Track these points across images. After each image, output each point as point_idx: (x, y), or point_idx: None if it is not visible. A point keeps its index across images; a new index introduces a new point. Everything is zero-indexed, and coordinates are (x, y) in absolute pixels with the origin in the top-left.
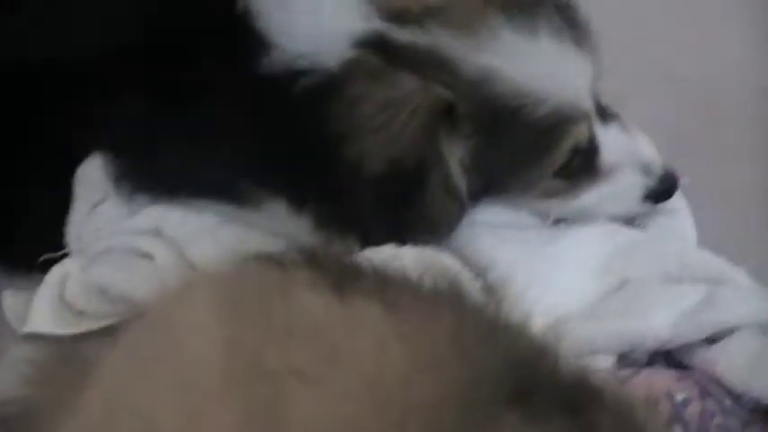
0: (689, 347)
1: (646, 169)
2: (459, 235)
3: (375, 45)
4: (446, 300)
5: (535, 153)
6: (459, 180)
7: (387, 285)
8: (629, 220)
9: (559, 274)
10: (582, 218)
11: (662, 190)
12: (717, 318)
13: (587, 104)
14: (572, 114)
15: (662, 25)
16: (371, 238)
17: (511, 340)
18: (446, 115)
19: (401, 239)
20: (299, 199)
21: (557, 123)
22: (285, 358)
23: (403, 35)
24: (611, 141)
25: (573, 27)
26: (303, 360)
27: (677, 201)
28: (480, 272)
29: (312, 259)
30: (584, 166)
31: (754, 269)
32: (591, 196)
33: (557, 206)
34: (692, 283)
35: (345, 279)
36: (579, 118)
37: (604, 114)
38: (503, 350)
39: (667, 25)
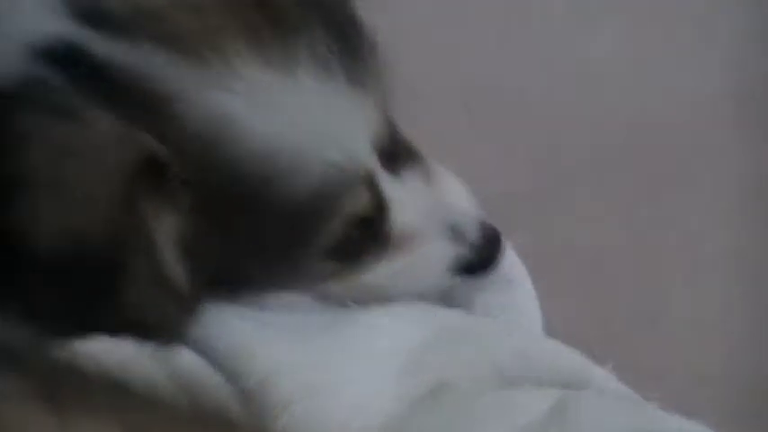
0: None
1: (455, 232)
2: (206, 321)
3: (64, 59)
4: (211, 421)
5: (290, 238)
6: (175, 270)
7: (127, 400)
8: (447, 298)
9: (350, 374)
10: (374, 299)
11: (478, 258)
12: None
13: (368, 161)
14: (344, 181)
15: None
16: (60, 331)
17: None
18: (156, 178)
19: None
20: None
21: (322, 196)
22: None
23: (103, 49)
24: (406, 198)
25: (350, 52)
26: None
27: (514, 267)
28: (235, 373)
29: (16, 362)
30: (366, 238)
31: (620, 367)
32: (378, 274)
33: (334, 289)
34: (538, 387)
35: (66, 390)
36: (355, 183)
37: (398, 162)
38: None
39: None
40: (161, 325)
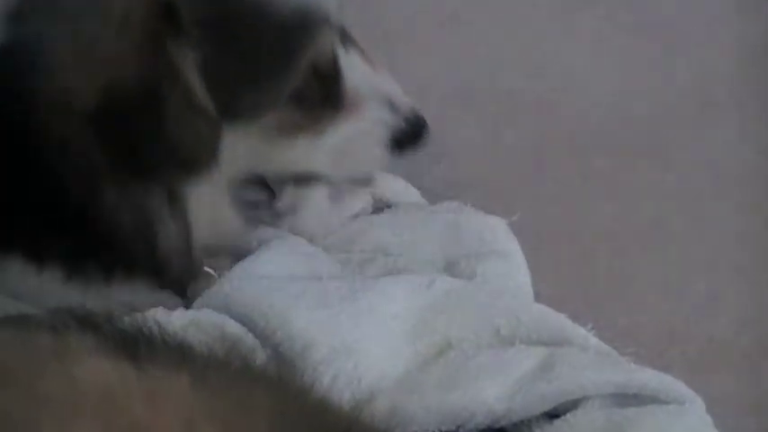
0: (527, 423)
1: (392, 105)
2: (243, 293)
3: None
4: (261, 378)
5: (272, 62)
6: (203, 94)
7: (190, 356)
8: (451, 267)
9: (366, 336)
10: (320, 177)
11: (410, 131)
12: (560, 387)
13: (333, 13)
14: (316, 19)
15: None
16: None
17: (338, 425)
18: (172, 21)
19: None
20: (34, 249)
21: (298, 27)
22: None
23: None
24: (353, 69)
25: None
26: None
27: (509, 242)
28: (270, 337)
29: (92, 322)
30: (325, 93)
31: (599, 327)
32: (335, 134)
33: (298, 154)
34: (529, 345)
35: (141, 345)
36: (323, 26)
37: (345, 38)
38: None
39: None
40: (200, 147)
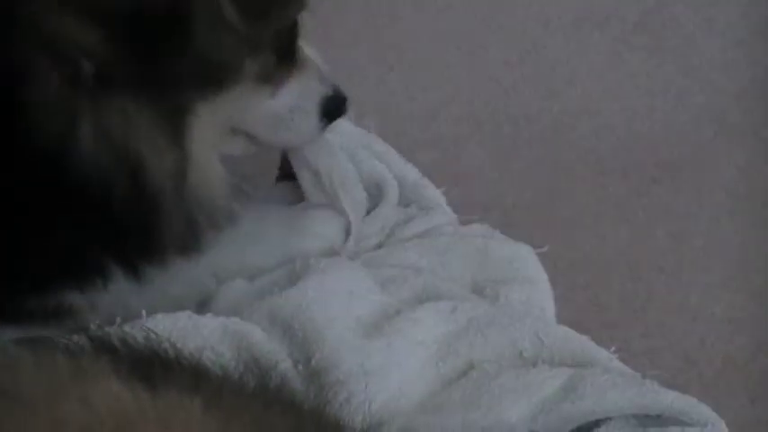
0: None
1: (322, 75)
2: (288, 300)
3: None
4: (275, 400)
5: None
6: (230, 10)
7: (204, 379)
8: (478, 291)
9: (391, 361)
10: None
11: (338, 98)
12: (583, 408)
13: None
14: None
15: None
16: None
17: None
18: None
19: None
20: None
21: None
22: None
23: None
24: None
25: None
26: None
27: (536, 271)
28: (304, 354)
29: (107, 344)
30: (287, 49)
31: (615, 350)
32: (285, 97)
33: (252, 111)
34: (552, 366)
35: (156, 368)
36: None
37: None
38: None
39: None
40: (226, 60)
